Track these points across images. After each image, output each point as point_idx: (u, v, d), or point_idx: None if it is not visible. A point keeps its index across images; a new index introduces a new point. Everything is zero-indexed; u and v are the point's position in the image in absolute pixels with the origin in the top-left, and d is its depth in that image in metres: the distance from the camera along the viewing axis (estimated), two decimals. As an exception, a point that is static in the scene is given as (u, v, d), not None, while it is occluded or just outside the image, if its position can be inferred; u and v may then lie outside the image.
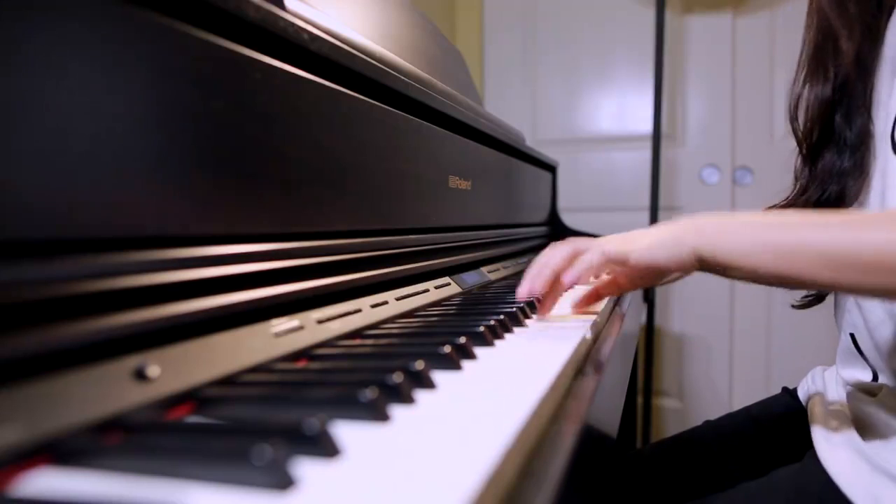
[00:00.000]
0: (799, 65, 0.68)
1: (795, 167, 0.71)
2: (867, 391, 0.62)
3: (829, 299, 0.72)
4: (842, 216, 0.47)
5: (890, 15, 0.58)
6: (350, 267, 0.53)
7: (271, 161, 0.44)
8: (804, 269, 0.45)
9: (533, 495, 0.25)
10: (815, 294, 0.73)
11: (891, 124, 0.55)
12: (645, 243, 0.55)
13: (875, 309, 0.58)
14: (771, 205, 0.74)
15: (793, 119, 0.69)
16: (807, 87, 0.66)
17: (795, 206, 0.70)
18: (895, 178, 0.54)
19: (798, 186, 0.70)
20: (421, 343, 0.44)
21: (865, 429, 0.57)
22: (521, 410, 0.30)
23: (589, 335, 0.51)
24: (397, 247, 0.62)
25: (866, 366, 0.63)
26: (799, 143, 0.70)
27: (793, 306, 0.75)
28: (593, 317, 0.60)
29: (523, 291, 0.60)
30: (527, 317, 0.58)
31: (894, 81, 0.56)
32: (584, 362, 0.46)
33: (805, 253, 0.45)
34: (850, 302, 0.62)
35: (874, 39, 0.60)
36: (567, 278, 0.57)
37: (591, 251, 0.57)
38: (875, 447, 0.54)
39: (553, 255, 0.59)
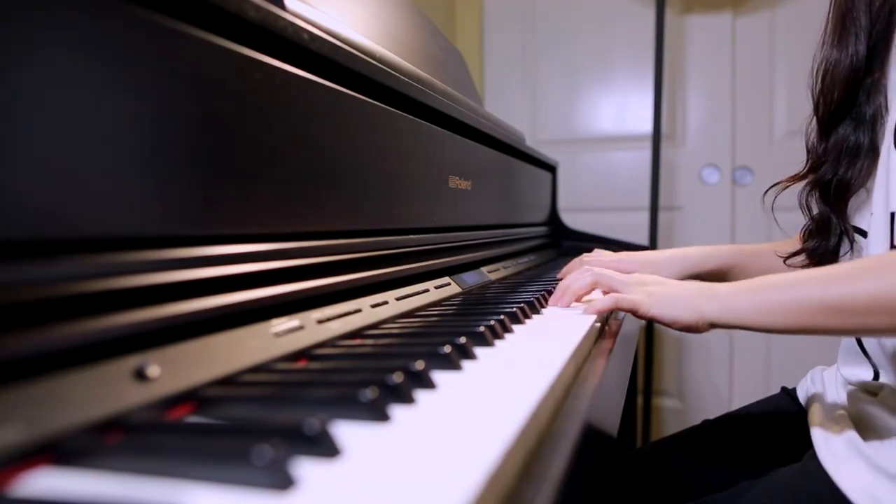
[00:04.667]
0: (825, 31, 0.68)
1: (810, 142, 0.71)
2: (868, 391, 0.62)
3: None
4: (837, 268, 0.51)
5: None
6: (350, 267, 0.53)
7: (271, 161, 0.44)
8: (810, 322, 0.50)
9: (533, 495, 0.25)
10: None
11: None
12: (657, 300, 0.58)
13: None
14: (779, 181, 0.74)
15: (813, 86, 0.69)
16: (830, 54, 0.66)
17: (806, 181, 0.70)
18: None
19: (810, 163, 0.70)
20: (421, 343, 0.44)
21: (865, 429, 0.57)
22: (522, 410, 0.30)
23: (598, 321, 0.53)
24: (397, 247, 0.62)
25: (868, 365, 0.63)
26: (816, 111, 0.69)
27: None
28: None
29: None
30: (527, 316, 0.58)
31: None
32: (585, 362, 0.46)
33: (808, 308, 0.50)
34: None
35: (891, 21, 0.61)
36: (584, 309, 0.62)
37: (605, 300, 0.61)
38: (875, 447, 0.54)
39: (577, 281, 0.66)
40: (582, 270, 0.66)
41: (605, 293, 0.63)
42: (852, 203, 0.66)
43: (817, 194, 0.69)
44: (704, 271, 0.81)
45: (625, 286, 0.61)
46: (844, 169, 0.65)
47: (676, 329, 0.58)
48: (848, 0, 0.64)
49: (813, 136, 0.70)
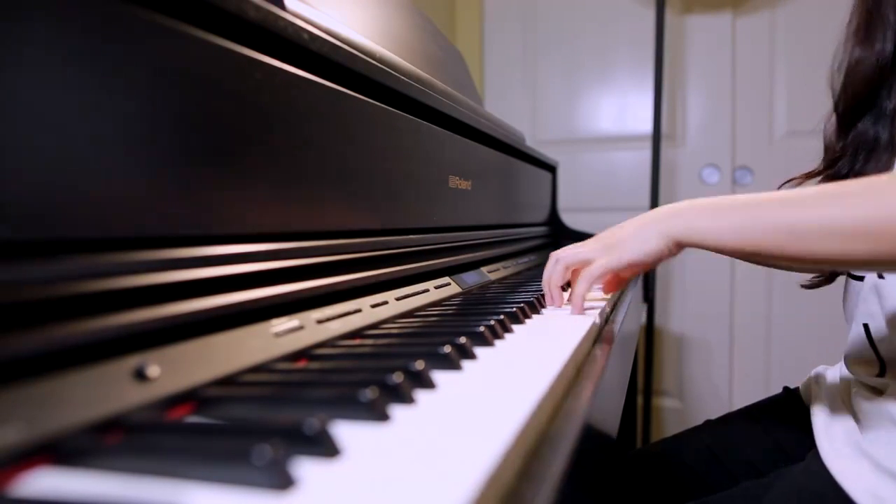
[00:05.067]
0: (848, 29, 0.68)
1: (828, 138, 0.71)
2: (873, 389, 0.62)
3: (838, 294, 0.72)
4: (800, 191, 0.51)
5: None
6: (350, 267, 0.53)
7: (271, 161, 0.44)
8: (770, 244, 0.50)
9: (533, 495, 0.25)
10: (825, 275, 0.73)
11: None
12: (621, 246, 0.58)
13: (895, 296, 0.58)
14: (793, 177, 0.74)
15: (834, 83, 0.69)
16: (855, 52, 0.66)
17: (821, 178, 0.70)
18: None
19: (827, 159, 0.70)
20: (421, 343, 0.44)
21: (869, 427, 0.57)
22: (522, 410, 0.30)
23: (598, 321, 0.53)
24: (397, 247, 0.62)
25: (875, 360, 0.62)
26: (836, 108, 0.69)
27: (802, 286, 0.76)
28: (602, 303, 0.64)
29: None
30: (527, 316, 0.58)
31: None
32: (585, 362, 0.46)
33: (765, 228, 0.50)
34: (866, 290, 0.62)
35: None
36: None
37: (579, 284, 0.61)
38: (878, 446, 0.54)
39: (552, 274, 0.65)
40: (551, 261, 0.66)
41: (577, 274, 0.63)
42: None
43: None
44: None
45: (593, 253, 0.62)
46: (862, 163, 0.65)
47: (650, 264, 0.58)
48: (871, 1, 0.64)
49: (831, 132, 0.70)
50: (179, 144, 0.36)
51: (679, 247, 0.56)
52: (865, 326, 0.63)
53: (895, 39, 0.63)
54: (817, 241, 0.47)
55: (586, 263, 0.62)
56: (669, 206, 0.58)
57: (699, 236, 0.54)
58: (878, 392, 0.61)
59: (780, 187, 0.74)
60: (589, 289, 0.61)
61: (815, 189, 0.50)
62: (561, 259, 0.64)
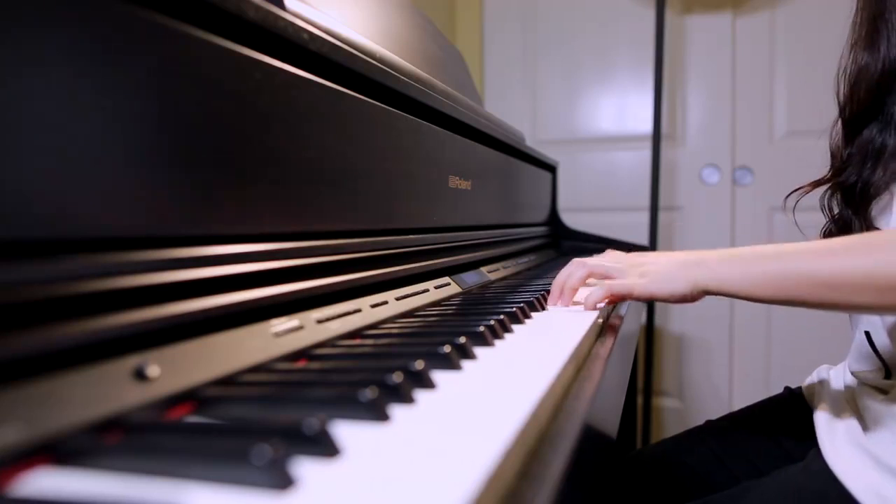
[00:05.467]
0: (852, 35, 0.67)
1: (834, 145, 0.71)
2: (876, 388, 0.62)
3: None
4: (828, 243, 0.52)
5: None
6: (350, 267, 0.53)
7: (271, 161, 0.44)
8: (797, 294, 0.52)
9: (533, 495, 0.25)
10: None
11: None
12: (650, 279, 0.60)
13: None
14: (800, 186, 0.74)
15: (839, 90, 0.69)
16: (861, 58, 0.66)
17: (829, 186, 0.70)
18: None
19: (835, 167, 0.70)
20: (421, 343, 0.44)
21: (872, 426, 0.57)
22: (522, 410, 0.30)
23: (598, 321, 0.54)
24: (397, 247, 0.62)
25: (879, 364, 0.62)
26: (842, 115, 0.69)
27: None
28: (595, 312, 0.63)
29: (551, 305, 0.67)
30: (527, 316, 0.58)
31: None
32: (585, 362, 0.46)
33: (796, 281, 0.51)
34: None
35: None
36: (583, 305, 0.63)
37: (598, 290, 0.62)
38: (882, 445, 0.54)
39: (572, 275, 0.66)
40: (576, 264, 0.67)
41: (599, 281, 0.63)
42: (875, 205, 0.65)
43: (840, 197, 0.69)
44: None
45: (619, 272, 0.63)
46: (869, 171, 0.65)
47: (673, 302, 0.59)
48: (880, 3, 0.63)
49: (838, 139, 0.70)
50: (179, 144, 0.36)
51: (703, 294, 0.57)
52: (867, 333, 0.63)
53: (890, 44, 0.63)
54: (852, 294, 0.49)
55: (609, 277, 0.63)
56: (697, 254, 0.59)
57: (729, 287, 0.55)
58: (883, 392, 0.61)
59: (787, 196, 0.74)
60: (603, 300, 0.62)
61: (845, 239, 0.52)
62: (587, 265, 0.66)
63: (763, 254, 0.55)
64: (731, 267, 0.55)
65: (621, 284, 0.61)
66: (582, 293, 0.65)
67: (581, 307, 0.64)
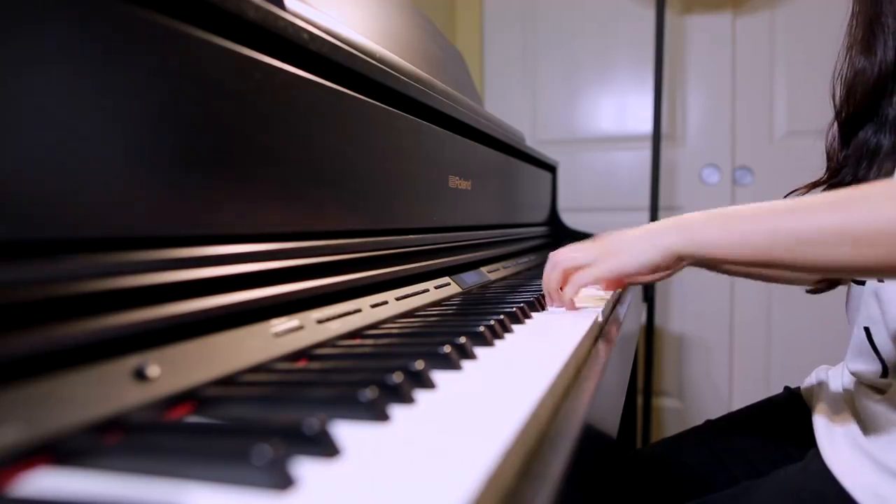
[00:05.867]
0: (846, 35, 0.67)
1: (830, 147, 0.71)
2: (874, 388, 0.62)
3: (837, 294, 0.72)
4: (806, 199, 0.51)
5: None
6: (350, 267, 0.53)
7: (271, 161, 0.44)
8: (778, 254, 0.49)
9: (533, 495, 0.25)
10: (828, 280, 0.73)
11: None
12: (614, 255, 0.58)
13: (895, 301, 0.58)
14: (797, 187, 0.74)
15: (834, 93, 0.69)
16: (857, 61, 0.66)
17: (825, 188, 0.70)
18: None
19: (831, 168, 0.70)
20: (421, 343, 0.44)
21: (871, 427, 0.57)
22: (522, 410, 0.29)
23: (598, 320, 0.53)
24: (397, 247, 0.62)
25: (877, 362, 0.62)
26: (838, 117, 0.69)
27: (807, 291, 0.76)
28: (599, 309, 0.63)
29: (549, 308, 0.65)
30: (527, 316, 0.58)
31: None
32: (585, 362, 0.46)
33: (776, 238, 0.49)
34: (866, 294, 0.62)
35: None
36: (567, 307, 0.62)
37: (566, 290, 0.61)
38: (880, 445, 0.54)
39: (549, 279, 0.64)
40: (549, 264, 0.65)
41: (569, 277, 0.62)
42: None
43: None
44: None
45: (586, 258, 0.61)
46: (865, 172, 0.65)
47: (648, 277, 0.56)
48: (876, 6, 0.63)
49: (834, 141, 0.70)
50: (179, 144, 0.36)
51: (679, 261, 0.55)
52: (867, 330, 0.63)
53: (886, 47, 0.63)
54: (830, 247, 0.47)
55: (581, 268, 0.61)
56: (672, 218, 0.57)
57: (706, 249, 0.53)
58: (881, 392, 0.61)
59: (785, 197, 0.74)
60: (576, 293, 0.61)
61: (822, 195, 0.50)
62: (557, 263, 0.64)
63: (738, 213, 0.52)
64: (706, 228, 0.53)
65: (587, 275, 0.59)
66: (583, 292, 0.65)
67: (581, 308, 0.64)
